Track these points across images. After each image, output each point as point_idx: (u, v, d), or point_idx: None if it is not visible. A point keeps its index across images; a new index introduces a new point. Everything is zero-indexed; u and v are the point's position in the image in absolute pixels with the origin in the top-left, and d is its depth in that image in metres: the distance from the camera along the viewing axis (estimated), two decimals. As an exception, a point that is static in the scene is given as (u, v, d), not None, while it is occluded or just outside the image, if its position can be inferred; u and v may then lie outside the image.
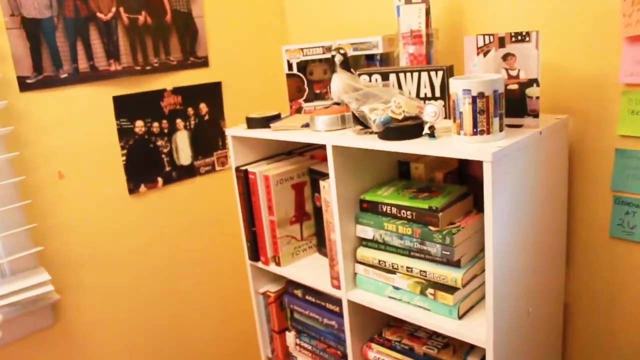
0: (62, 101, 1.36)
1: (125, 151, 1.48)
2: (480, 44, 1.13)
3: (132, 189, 1.52)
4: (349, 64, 1.35)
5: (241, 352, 1.88)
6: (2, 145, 1.26)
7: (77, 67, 1.35)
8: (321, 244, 1.51)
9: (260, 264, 1.51)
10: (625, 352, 1.27)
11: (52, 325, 1.40)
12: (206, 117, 1.63)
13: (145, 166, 1.53)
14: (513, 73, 1.11)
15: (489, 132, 1.01)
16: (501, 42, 1.11)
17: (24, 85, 1.28)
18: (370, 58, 1.39)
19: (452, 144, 1.03)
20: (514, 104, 1.11)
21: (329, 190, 1.25)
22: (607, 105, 1.19)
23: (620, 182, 1.21)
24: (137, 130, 1.49)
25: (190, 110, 1.59)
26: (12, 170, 1.29)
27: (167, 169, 1.57)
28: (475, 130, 1.01)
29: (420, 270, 1.16)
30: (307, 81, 1.48)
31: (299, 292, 1.51)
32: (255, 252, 1.51)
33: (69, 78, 1.35)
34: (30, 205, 1.33)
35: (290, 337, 1.58)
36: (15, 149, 1.29)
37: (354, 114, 1.20)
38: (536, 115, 1.10)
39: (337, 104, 1.37)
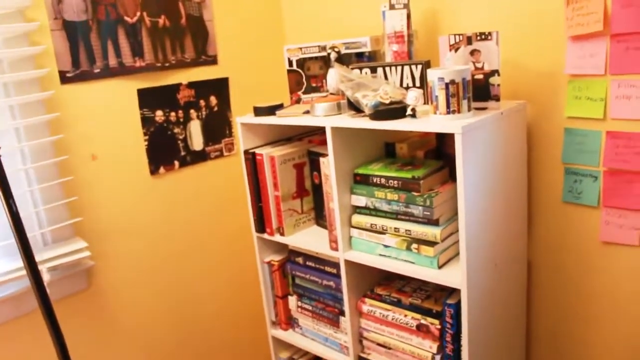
0: (95, 93, 1.56)
1: (147, 137, 1.69)
2: (452, 42, 1.37)
3: (153, 171, 1.72)
4: (342, 60, 1.59)
5: (248, 316, 2.09)
6: (48, 129, 1.47)
7: (108, 63, 1.56)
8: (319, 216, 1.73)
9: (265, 235, 1.73)
10: (582, 297, 1.53)
11: (86, 289, 1.60)
12: (215, 109, 1.85)
13: (164, 151, 1.74)
14: (479, 65, 1.35)
15: (459, 112, 1.25)
16: (469, 40, 1.35)
17: (64, 78, 1.48)
18: (359, 55, 1.62)
19: (430, 121, 1.27)
20: (480, 90, 1.35)
21: (328, 165, 1.47)
22: (556, 93, 1.44)
23: (569, 155, 1.46)
24: (157, 119, 1.70)
25: (202, 102, 1.81)
26: (55, 151, 1.49)
27: (182, 153, 1.79)
28: (448, 110, 1.25)
29: (406, 230, 1.39)
30: (305, 76, 1.71)
31: (300, 259, 1.73)
32: (261, 225, 1.73)
33: (101, 73, 1.55)
34: (68, 182, 1.53)
35: (292, 300, 1.80)
36: (58, 133, 1.49)
37: (348, 100, 1.43)
38: (498, 99, 1.35)
39: (333, 94, 1.60)
